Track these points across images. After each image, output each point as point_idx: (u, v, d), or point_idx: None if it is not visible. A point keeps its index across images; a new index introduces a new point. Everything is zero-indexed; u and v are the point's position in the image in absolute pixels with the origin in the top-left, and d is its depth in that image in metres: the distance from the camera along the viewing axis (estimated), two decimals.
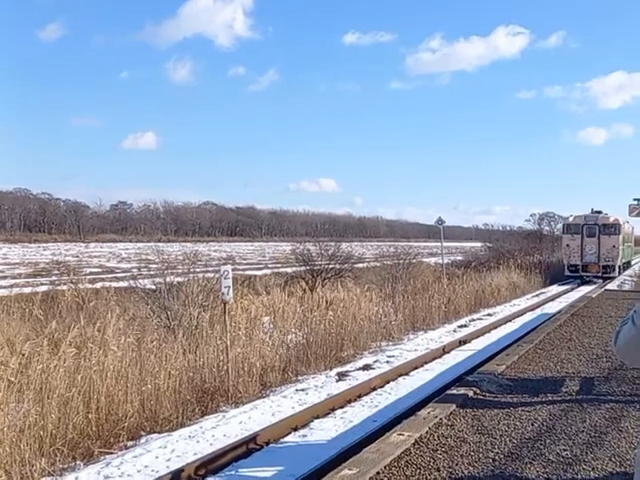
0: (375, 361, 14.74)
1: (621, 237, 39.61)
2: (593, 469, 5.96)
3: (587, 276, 38.98)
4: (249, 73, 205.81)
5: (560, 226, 44.10)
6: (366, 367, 14.08)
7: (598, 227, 38.97)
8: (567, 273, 39.39)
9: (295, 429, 9.59)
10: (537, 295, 32.89)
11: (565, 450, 6.46)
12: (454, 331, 19.74)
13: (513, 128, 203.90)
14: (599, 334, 14.08)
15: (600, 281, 36.97)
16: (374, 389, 12.22)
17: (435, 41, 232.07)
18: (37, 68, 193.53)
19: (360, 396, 11.66)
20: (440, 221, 30.07)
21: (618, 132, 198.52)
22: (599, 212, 40.06)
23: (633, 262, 56.19)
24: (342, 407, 10.92)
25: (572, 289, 35.63)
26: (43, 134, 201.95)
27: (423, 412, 7.81)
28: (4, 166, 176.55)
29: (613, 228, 39.14)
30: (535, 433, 7.06)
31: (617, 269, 39.21)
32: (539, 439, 6.83)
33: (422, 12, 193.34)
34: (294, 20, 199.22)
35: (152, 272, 18.55)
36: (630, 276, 41.74)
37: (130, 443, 8.91)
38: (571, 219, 40.33)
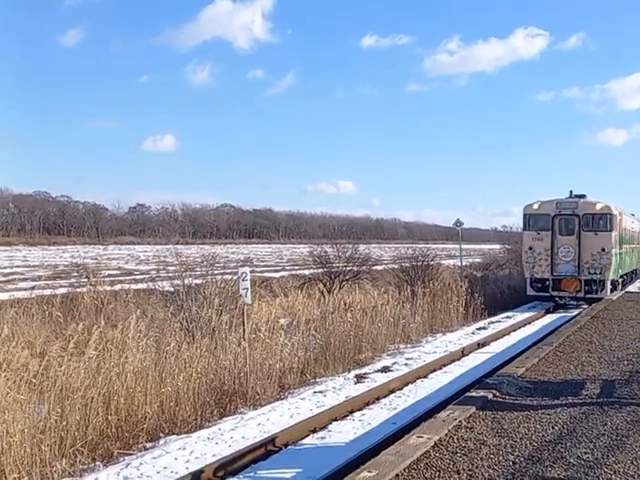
0: (393, 363, 14.71)
1: (615, 235, 26.01)
2: (615, 472, 5.91)
3: (561, 297, 25.84)
4: (267, 76, 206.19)
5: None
6: (384, 369, 14.04)
7: (578, 219, 25.43)
8: (530, 292, 26.24)
9: (314, 431, 9.58)
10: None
11: (586, 453, 6.41)
12: (473, 333, 19.65)
13: (532, 129, 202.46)
14: (620, 337, 13.96)
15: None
16: (393, 391, 12.18)
17: (453, 43, 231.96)
18: (58, 73, 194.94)
19: (379, 398, 11.64)
20: (458, 223, 29.92)
21: (638, 133, 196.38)
22: (581, 196, 26.50)
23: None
24: (361, 409, 10.91)
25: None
26: (63, 137, 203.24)
27: (442, 414, 7.78)
28: (24, 169, 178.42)
29: (603, 220, 25.59)
30: (556, 436, 7.01)
31: (608, 285, 25.45)
32: (560, 442, 6.78)
33: (440, 14, 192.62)
34: (313, 23, 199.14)
35: (170, 274, 18.63)
36: None
37: (149, 444, 8.95)
38: (536, 206, 26.29)
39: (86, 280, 20.35)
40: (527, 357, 11.70)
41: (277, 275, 33.45)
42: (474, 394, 8.89)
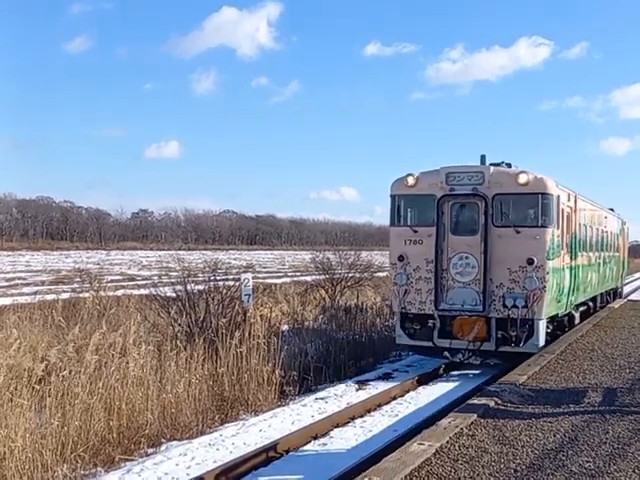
0: (395, 370, 14.69)
1: (555, 234, 14.05)
2: None
3: (453, 351, 14.07)
4: (271, 84, 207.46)
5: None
6: (386, 376, 14.02)
7: (485, 204, 13.82)
8: (402, 340, 14.62)
9: (315, 438, 9.58)
10: None
11: (588, 462, 6.39)
12: None
13: (534, 138, 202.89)
14: (622, 345, 13.92)
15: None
16: (394, 398, 12.17)
17: (456, 51, 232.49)
18: (63, 80, 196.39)
19: (380, 405, 11.63)
20: None
21: None
22: (497, 164, 14.49)
23: (628, 289, 32.57)
24: (362, 416, 10.90)
25: None
26: (67, 143, 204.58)
27: (444, 422, 7.77)
28: (28, 175, 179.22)
29: (532, 208, 14.01)
30: (557, 444, 6.99)
31: (542, 329, 13.67)
32: (561, 450, 6.77)
33: (444, 22, 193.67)
34: (318, 31, 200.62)
35: (173, 280, 18.65)
36: None
37: (150, 450, 8.95)
38: (411, 181, 14.57)
39: (89, 285, 20.39)
40: (529, 365, 11.66)
41: (279, 281, 33.43)
42: (476, 401, 8.87)
